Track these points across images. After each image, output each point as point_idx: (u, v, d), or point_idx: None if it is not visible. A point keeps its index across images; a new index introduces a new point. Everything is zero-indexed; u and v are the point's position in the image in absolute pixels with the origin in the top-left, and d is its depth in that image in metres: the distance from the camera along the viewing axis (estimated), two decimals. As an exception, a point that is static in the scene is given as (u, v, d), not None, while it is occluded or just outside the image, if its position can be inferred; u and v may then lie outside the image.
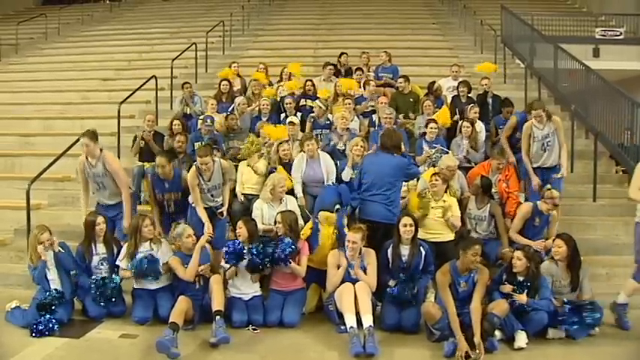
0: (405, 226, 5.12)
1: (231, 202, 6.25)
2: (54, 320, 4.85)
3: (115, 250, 5.41)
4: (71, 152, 7.48)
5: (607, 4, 16.92)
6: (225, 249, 5.20)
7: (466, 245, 4.75)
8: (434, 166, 6.44)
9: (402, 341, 4.78)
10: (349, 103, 7.74)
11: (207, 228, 5.48)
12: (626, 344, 4.80)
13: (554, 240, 5.18)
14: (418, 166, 6.69)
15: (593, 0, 17.98)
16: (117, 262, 5.33)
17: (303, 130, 7.40)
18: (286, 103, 8.12)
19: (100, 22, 18.07)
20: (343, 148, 6.78)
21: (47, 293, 5.04)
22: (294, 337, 4.87)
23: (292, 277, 5.28)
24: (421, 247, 5.20)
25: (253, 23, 15.89)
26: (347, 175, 6.18)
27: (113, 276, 5.26)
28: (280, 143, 6.65)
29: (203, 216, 5.59)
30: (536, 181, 6.36)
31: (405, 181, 5.98)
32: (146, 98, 10.03)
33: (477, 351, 4.35)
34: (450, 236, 5.68)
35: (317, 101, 7.85)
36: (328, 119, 7.61)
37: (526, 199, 6.37)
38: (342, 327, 4.75)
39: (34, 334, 4.76)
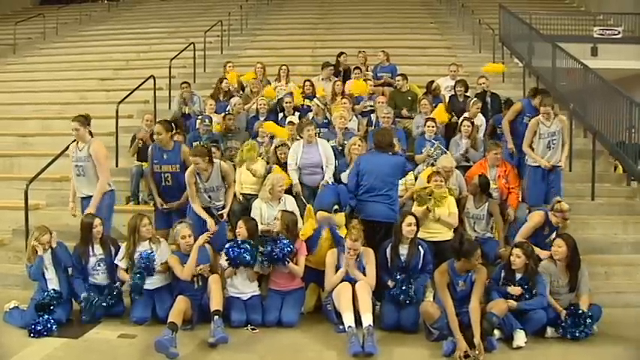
0: (410, 225, 5.13)
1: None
2: (52, 320, 4.83)
3: (113, 251, 5.38)
4: (69, 152, 7.48)
5: (605, 3, 16.95)
6: (225, 251, 5.16)
7: (469, 252, 4.64)
8: (433, 165, 6.44)
9: (400, 340, 4.78)
10: (345, 103, 7.72)
11: (210, 224, 5.41)
12: (626, 343, 4.80)
13: (554, 240, 5.18)
14: (417, 165, 6.73)
15: (591, -1, 18.02)
16: (116, 262, 5.31)
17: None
18: (285, 103, 8.13)
19: (98, 22, 18.06)
20: (341, 147, 6.78)
21: (45, 293, 5.02)
22: (293, 337, 4.86)
23: (291, 277, 5.28)
24: (420, 247, 5.20)
25: (251, 23, 15.88)
26: (346, 177, 6.15)
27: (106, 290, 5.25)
28: (278, 146, 6.65)
29: (201, 213, 5.52)
30: (510, 145, 6.74)
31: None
32: (144, 98, 10.02)
33: (477, 351, 4.34)
34: (449, 235, 5.68)
35: (315, 100, 7.86)
36: (326, 118, 7.61)
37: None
38: (341, 326, 4.75)
39: (32, 335, 4.74)
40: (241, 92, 9.23)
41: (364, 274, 5.03)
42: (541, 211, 5.63)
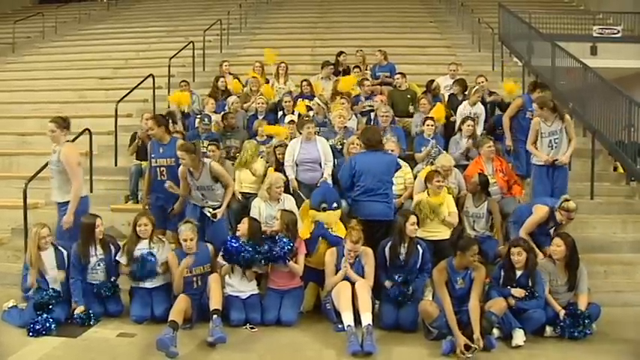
0: (413, 224, 5.14)
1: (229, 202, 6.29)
2: (51, 320, 4.82)
3: (113, 250, 5.37)
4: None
5: (605, 2, 16.93)
6: (223, 247, 5.17)
7: (464, 246, 4.73)
8: (432, 164, 6.44)
9: (399, 340, 4.78)
10: (343, 103, 7.71)
11: (185, 261, 5.15)
12: (625, 342, 4.80)
13: (552, 239, 5.17)
14: (417, 164, 6.73)
15: (590, -2, 18.01)
16: (116, 258, 5.31)
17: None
18: (285, 102, 8.11)
19: (97, 21, 18.03)
20: (341, 146, 6.77)
21: (44, 292, 5.01)
22: (292, 336, 4.86)
23: (290, 276, 5.28)
24: (418, 246, 5.20)
25: (251, 22, 15.85)
26: None
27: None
28: (277, 146, 6.64)
29: (177, 190, 5.65)
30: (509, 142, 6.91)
31: None
32: (143, 97, 10.01)
33: (476, 345, 4.35)
34: (448, 234, 5.69)
35: (316, 99, 7.86)
36: (326, 117, 7.60)
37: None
38: (340, 325, 4.75)
39: (31, 334, 4.74)
40: (242, 91, 9.22)
41: (363, 275, 5.03)
42: (545, 206, 5.56)
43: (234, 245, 5.07)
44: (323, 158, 6.23)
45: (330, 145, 6.57)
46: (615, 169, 8.43)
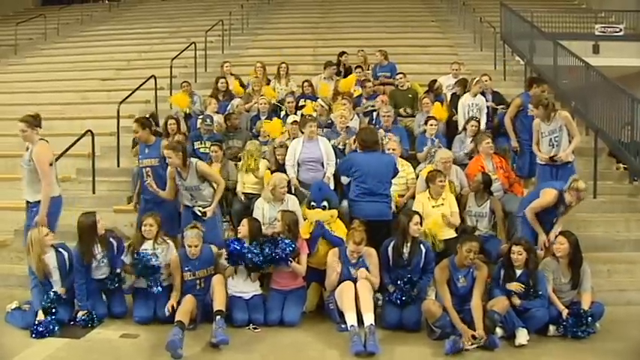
0: (416, 224, 5.13)
1: (231, 202, 6.27)
2: (54, 321, 4.83)
3: (115, 244, 5.32)
4: (70, 153, 7.50)
5: (607, 1, 16.90)
6: (226, 248, 5.17)
7: (462, 241, 4.79)
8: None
9: (402, 339, 4.78)
10: (344, 103, 7.70)
11: (169, 304, 5.06)
12: (628, 341, 4.78)
13: (556, 237, 5.16)
14: (419, 163, 6.73)
15: (592, -4, 17.97)
16: (122, 258, 5.29)
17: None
18: (287, 102, 8.12)
19: (99, 22, 18.07)
20: (343, 147, 6.77)
21: (45, 297, 4.98)
22: (295, 336, 4.86)
23: (292, 276, 5.27)
24: (421, 245, 5.19)
25: (252, 22, 15.87)
26: (345, 180, 6.10)
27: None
28: (277, 147, 6.64)
29: (159, 192, 5.61)
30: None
31: None
32: (145, 98, 10.03)
33: (482, 337, 4.40)
34: (451, 234, 5.69)
35: (319, 100, 7.86)
36: (329, 118, 7.60)
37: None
38: (343, 325, 4.74)
39: (34, 335, 4.74)
40: (244, 92, 9.22)
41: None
42: (554, 189, 5.45)
43: (238, 248, 5.07)
44: (325, 158, 6.21)
45: (332, 146, 6.58)
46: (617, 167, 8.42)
